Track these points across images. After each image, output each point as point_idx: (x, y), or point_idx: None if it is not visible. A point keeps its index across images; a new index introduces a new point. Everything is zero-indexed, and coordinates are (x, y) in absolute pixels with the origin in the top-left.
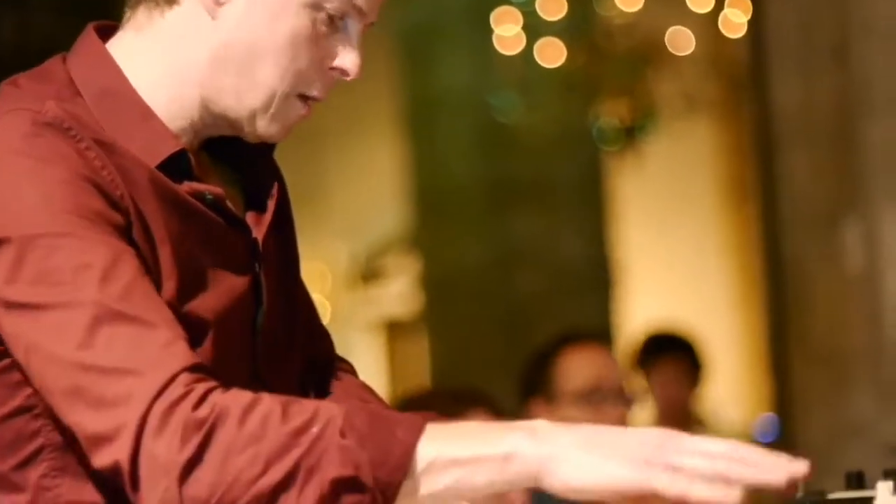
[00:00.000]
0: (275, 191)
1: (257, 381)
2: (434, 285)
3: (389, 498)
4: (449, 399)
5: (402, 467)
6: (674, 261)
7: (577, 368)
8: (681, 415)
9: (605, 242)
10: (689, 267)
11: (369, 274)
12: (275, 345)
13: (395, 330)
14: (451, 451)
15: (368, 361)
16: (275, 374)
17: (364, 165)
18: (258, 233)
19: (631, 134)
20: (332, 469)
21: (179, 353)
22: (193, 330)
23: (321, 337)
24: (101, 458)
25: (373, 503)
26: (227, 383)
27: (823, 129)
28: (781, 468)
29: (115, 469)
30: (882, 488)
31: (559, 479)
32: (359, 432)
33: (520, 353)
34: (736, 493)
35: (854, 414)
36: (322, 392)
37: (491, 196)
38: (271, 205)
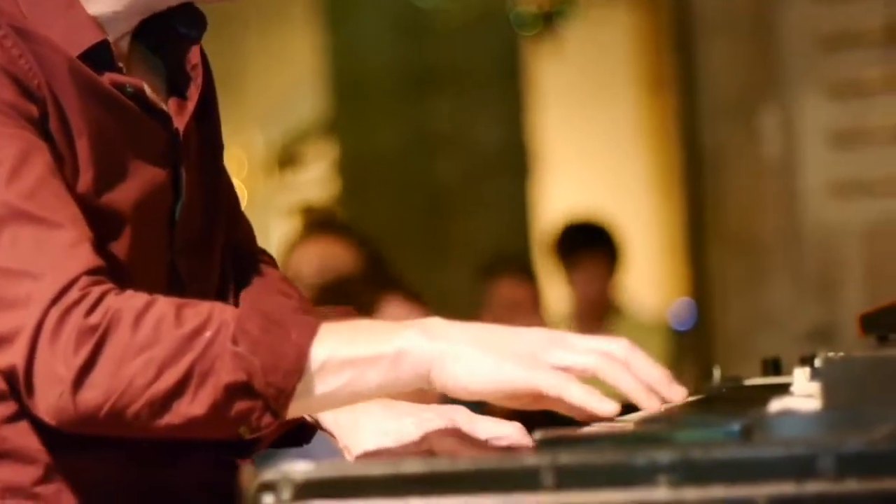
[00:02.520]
0: (200, 80)
1: (174, 274)
2: (351, 171)
3: (283, 402)
4: (362, 283)
5: (295, 372)
6: (591, 147)
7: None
8: (599, 305)
9: (523, 129)
10: (606, 154)
11: (286, 159)
12: (194, 236)
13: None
14: (344, 351)
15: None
16: (193, 267)
17: (281, 51)
18: (180, 122)
19: (549, 19)
20: (224, 374)
21: (81, 256)
22: (110, 221)
23: (242, 227)
24: (1, 359)
25: (266, 408)
26: (143, 275)
27: (742, 17)
28: (659, 388)
29: (11, 372)
30: (799, 374)
31: (449, 376)
32: (251, 338)
33: (436, 238)
34: (611, 406)
35: (770, 301)
36: (242, 284)
37: (408, 81)
38: (195, 94)
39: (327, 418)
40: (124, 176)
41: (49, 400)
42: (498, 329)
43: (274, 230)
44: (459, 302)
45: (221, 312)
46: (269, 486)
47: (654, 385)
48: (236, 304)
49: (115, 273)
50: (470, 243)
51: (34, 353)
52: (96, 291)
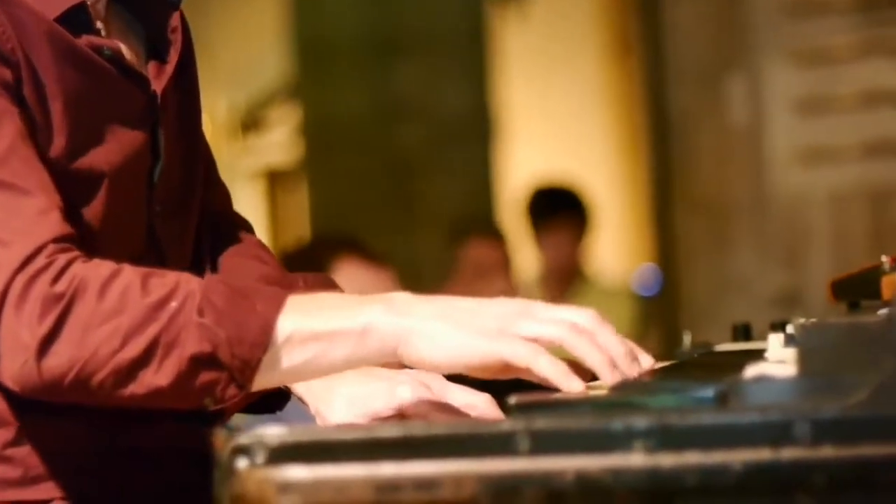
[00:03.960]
0: (179, 44)
1: (152, 237)
2: (315, 135)
3: (248, 374)
4: (322, 247)
5: (260, 344)
6: (556, 112)
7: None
8: (568, 270)
9: (489, 94)
10: (571, 119)
11: (250, 123)
12: (172, 199)
13: (275, 180)
14: (310, 324)
15: (249, 211)
16: (171, 229)
17: (246, 14)
18: (158, 85)
19: None
20: (189, 345)
21: (49, 223)
22: (87, 184)
23: (218, 191)
24: None
25: (231, 380)
26: (121, 238)
27: None
28: (621, 364)
29: None
30: (773, 340)
31: (416, 352)
32: (216, 309)
33: (400, 202)
34: (578, 384)
35: (736, 267)
36: (218, 250)
37: (374, 46)
38: (174, 57)
39: (299, 384)
40: (102, 139)
41: (14, 367)
42: (464, 302)
43: (238, 193)
44: (425, 266)
45: (188, 283)
46: (244, 450)
47: (617, 360)
48: (213, 270)
49: (92, 237)
50: (434, 208)
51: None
52: (63, 259)
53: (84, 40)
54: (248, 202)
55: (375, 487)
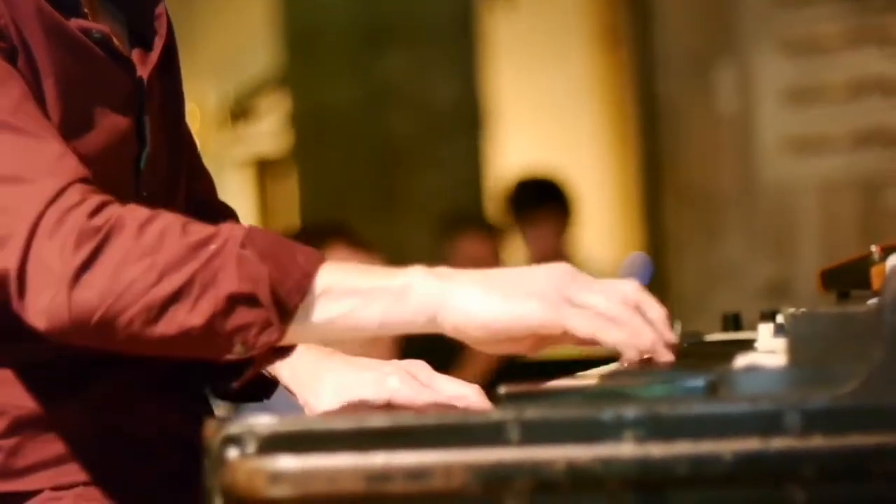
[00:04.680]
0: (164, 31)
1: None
2: (304, 124)
3: (285, 319)
4: (309, 233)
5: (301, 289)
6: (546, 102)
7: None
8: (554, 261)
9: (477, 84)
10: (561, 109)
11: (239, 112)
12: (158, 186)
13: (265, 168)
14: (349, 279)
15: (238, 200)
16: None
17: (235, 4)
18: (144, 71)
19: None
20: (228, 284)
21: (72, 166)
22: None
23: (204, 180)
24: None
25: (267, 322)
26: None
27: None
28: (652, 342)
29: (2, 276)
30: (763, 330)
31: (460, 313)
32: (260, 248)
33: (389, 192)
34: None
35: (725, 257)
36: None
37: (362, 35)
38: (158, 44)
39: (285, 373)
40: (90, 122)
41: (42, 301)
42: (509, 270)
43: (227, 182)
44: (412, 255)
45: (230, 229)
46: (234, 440)
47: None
48: None
49: None
50: (422, 197)
51: (28, 252)
52: (97, 198)
53: (73, 23)
54: (238, 191)
55: (366, 477)
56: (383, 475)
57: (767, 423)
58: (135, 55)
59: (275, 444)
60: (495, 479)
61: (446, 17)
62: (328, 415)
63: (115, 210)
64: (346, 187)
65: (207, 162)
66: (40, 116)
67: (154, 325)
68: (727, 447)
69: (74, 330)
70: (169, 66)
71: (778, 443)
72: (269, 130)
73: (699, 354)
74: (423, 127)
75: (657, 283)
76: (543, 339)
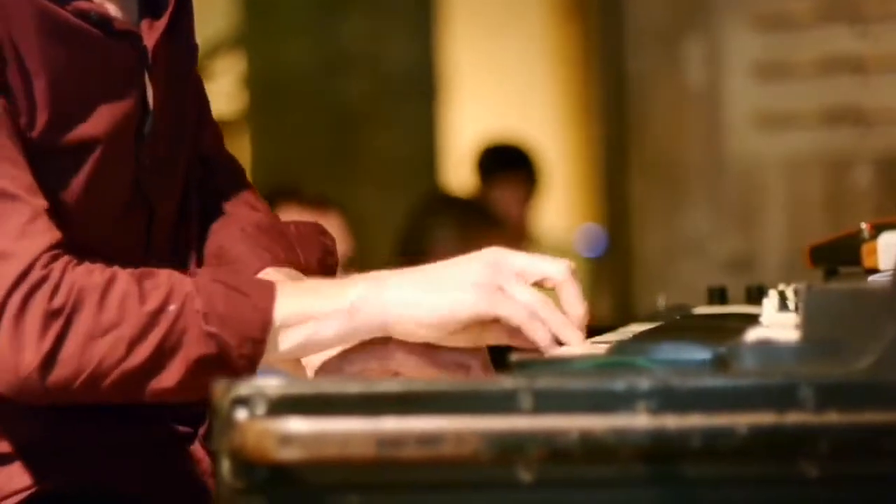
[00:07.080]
0: None
1: (138, 190)
2: (260, 86)
3: (252, 366)
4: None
5: (262, 340)
6: (506, 70)
7: None
8: (516, 228)
9: (435, 49)
10: (520, 77)
11: None
12: (160, 152)
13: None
14: (302, 305)
15: None
16: (158, 183)
17: None
18: (150, 40)
19: None
20: (194, 348)
21: (39, 231)
22: (78, 153)
23: (210, 131)
24: None
25: (236, 372)
26: (108, 196)
27: None
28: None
29: None
30: (768, 305)
31: (404, 319)
32: (219, 315)
33: (344, 156)
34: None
35: (690, 230)
36: (208, 196)
37: None
38: (168, 10)
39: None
40: (92, 109)
41: (13, 381)
42: (438, 265)
43: None
44: (368, 220)
45: (181, 284)
46: (243, 401)
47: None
48: (202, 221)
49: (81, 198)
50: (378, 162)
51: None
52: (57, 270)
53: (71, 7)
54: None
55: (377, 442)
56: (395, 440)
57: (782, 398)
58: (144, 24)
59: (285, 405)
60: (507, 447)
61: None
62: (340, 379)
63: (74, 280)
64: (302, 150)
65: None
66: (17, 162)
67: (131, 392)
68: (741, 421)
69: (52, 401)
70: (179, 31)
71: (793, 417)
72: (225, 91)
73: (697, 328)
74: (380, 91)
75: (620, 256)
76: (484, 327)
